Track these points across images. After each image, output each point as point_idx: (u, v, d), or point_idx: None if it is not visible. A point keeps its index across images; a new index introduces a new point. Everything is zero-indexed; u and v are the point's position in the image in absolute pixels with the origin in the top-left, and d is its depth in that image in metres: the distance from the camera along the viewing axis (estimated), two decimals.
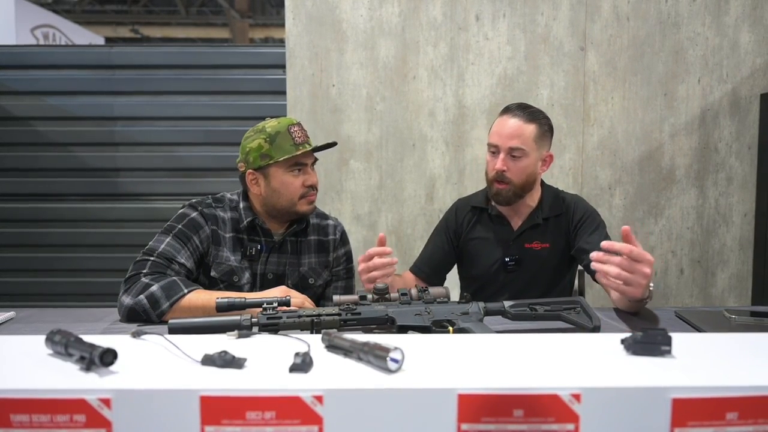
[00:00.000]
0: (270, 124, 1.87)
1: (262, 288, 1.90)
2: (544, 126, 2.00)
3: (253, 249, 1.90)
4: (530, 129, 1.95)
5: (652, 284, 1.45)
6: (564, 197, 2.12)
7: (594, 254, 1.37)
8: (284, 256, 1.95)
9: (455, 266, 2.24)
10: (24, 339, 1.14)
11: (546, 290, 2.06)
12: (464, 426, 0.86)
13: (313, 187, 1.91)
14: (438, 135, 3.12)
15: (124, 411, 0.86)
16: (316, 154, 1.94)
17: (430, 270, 2.16)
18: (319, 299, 2.02)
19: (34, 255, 3.83)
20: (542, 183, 2.13)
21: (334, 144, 1.97)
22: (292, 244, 1.97)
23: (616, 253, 1.41)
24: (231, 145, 3.59)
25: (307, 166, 1.89)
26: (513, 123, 1.95)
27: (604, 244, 1.36)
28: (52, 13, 7.37)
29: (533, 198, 2.08)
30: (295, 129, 1.86)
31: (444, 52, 3.09)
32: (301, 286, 1.95)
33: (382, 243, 1.66)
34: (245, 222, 1.89)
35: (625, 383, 0.90)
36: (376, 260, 1.63)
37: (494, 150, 1.99)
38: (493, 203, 2.10)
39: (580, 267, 2.22)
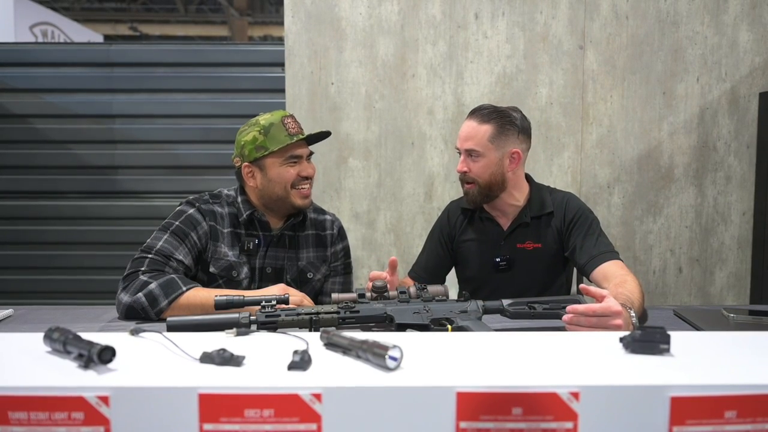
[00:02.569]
0: (264, 117, 1.88)
1: (261, 282, 1.91)
2: (505, 125, 1.98)
3: (251, 243, 1.90)
4: (483, 129, 1.96)
5: (634, 316, 1.44)
6: (555, 195, 2.09)
7: (565, 318, 1.37)
8: (282, 251, 1.95)
9: (453, 268, 2.25)
10: (22, 336, 1.14)
11: (541, 290, 2.05)
12: (463, 424, 0.86)
13: (308, 179, 1.91)
14: (437, 133, 3.12)
15: (123, 408, 0.85)
16: (311, 147, 1.95)
17: (427, 275, 2.15)
18: (318, 294, 2.02)
19: (32, 252, 3.83)
20: (531, 181, 2.13)
21: (328, 134, 1.97)
22: (290, 239, 1.97)
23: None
24: (229, 142, 3.54)
25: (302, 158, 1.90)
26: (467, 126, 2.00)
27: (568, 308, 1.36)
28: (50, 10, 7.36)
29: (518, 197, 2.07)
30: (289, 120, 1.87)
31: (443, 51, 3.09)
32: (299, 281, 1.95)
33: (392, 265, 1.69)
34: (244, 215, 1.89)
35: (624, 381, 0.90)
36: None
37: (459, 153, 2.04)
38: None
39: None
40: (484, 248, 2.09)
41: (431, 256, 2.20)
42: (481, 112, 1.99)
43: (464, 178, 2.02)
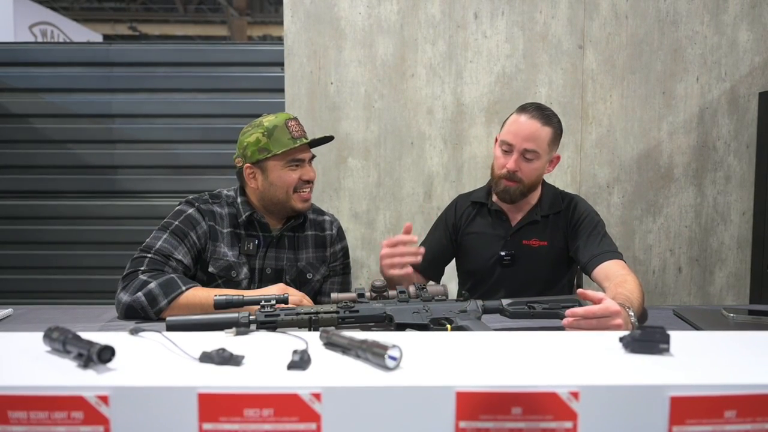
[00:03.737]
0: (267, 119, 1.88)
1: (261, 283, 1.91)
2: (558, 129, 2.01)
3: (251, 244, 1.90)
4: (546, 132, 1.95)
5: (632, 316, 1.45)
6: (564, 196, 2.12)
7: (564, 322, 1.37)
8: (282, 251, 1.95)
9: (453, 261, 2.25)
10: (21, 336, 1.14)
11: (543, 288, 2.06)
12: (462, 424, 0.86)
13: (309, 182, 1.91)
14: (436, 133, 3.12)
15: (122, 408, 0.85)
16: (312, 150, 1.95)
17: (427, 264, 2.15)
18: (317, 294, 2.02)
19: (31, 252, 3.82)
20: (542, 181, 2.14)
21: (331, 138, 1.98)
22: (289, 240, 1.97)
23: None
24: (229, 142, 3.58)
25: (304, 162, 1.90)
26: (530, 125, 1.94)
27: (567, 312, 1.37)
28: (50, 10, 7.36)
29: (534, 195, 2.09)
30: (293, 123, 1.87)
31: (442, 50, 3.09)
32: (299, 281, 1.95)
33: (408, 231, 1.72)
34: (244, 216, 1.89)
35: (624, 381, 0.90)
36: (401, 248, 1.71)
37: (507, 149, 1.98)
38: (494, 199, 2.10)
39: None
40: (490, 242, 2.10)
41: (434, 245, 2.19)
42: (544, 113, 1.97)
43: (510, 176, 1.97)
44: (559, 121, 2.02)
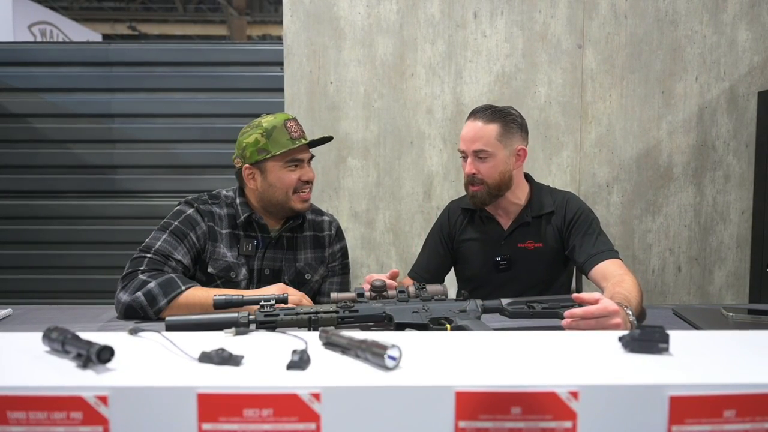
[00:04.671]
0: (266, 120, 1.88)
1: (259, 284, 1.91)
2: (509, 123, 1.99)
3: (249, 245, 1.90)
4: (490, 129, 1.96)
5: (631, 315, 1.45)
6: (555, 195, 2.10)
7: (563, 323, 1.38)
8: (280, 252, 1.95)
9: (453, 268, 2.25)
10: (21, 336, 1.14)
11: (542, 289, 2.05)
12: (462, 423, 0.86)
13: (309, 183, 1.91)
14: (436, 132, 3.12)
15: (121, 408, 0.85)
16: (311, 150, 1.95)
17: (427, 275, 2.15)
18: (316, 295, 2.02)
19: (31, 252, 3.82)
20: (532, 181, 2.13)
21: (330, 138, 1.98)
22: (288, 240, 1.97)
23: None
24: (228, 142, 3.57)
25: (303, 162, 1.90)
26: (472, 127, 1.98)
27: (566, 314, 1.37)
28: (49, 9, 7.35)
29: (520, 196, 2.07)
30: (291, 124, 1.87)
31: (442, 50, 3.09)
32: (297, 282, 1.95)
33: (393, 277, 1.69)
34: (242, 217, 1.89)
35: (623, 381, 0.90)
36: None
37: (463, 156, 2.02)
38: None
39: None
40: (485, 248, 2.09)
41: (432, 255, 2.19)
42: (485, 112, 1.99)
43: (472, 180, 1.99)
44: (510, 116, 2.00)
